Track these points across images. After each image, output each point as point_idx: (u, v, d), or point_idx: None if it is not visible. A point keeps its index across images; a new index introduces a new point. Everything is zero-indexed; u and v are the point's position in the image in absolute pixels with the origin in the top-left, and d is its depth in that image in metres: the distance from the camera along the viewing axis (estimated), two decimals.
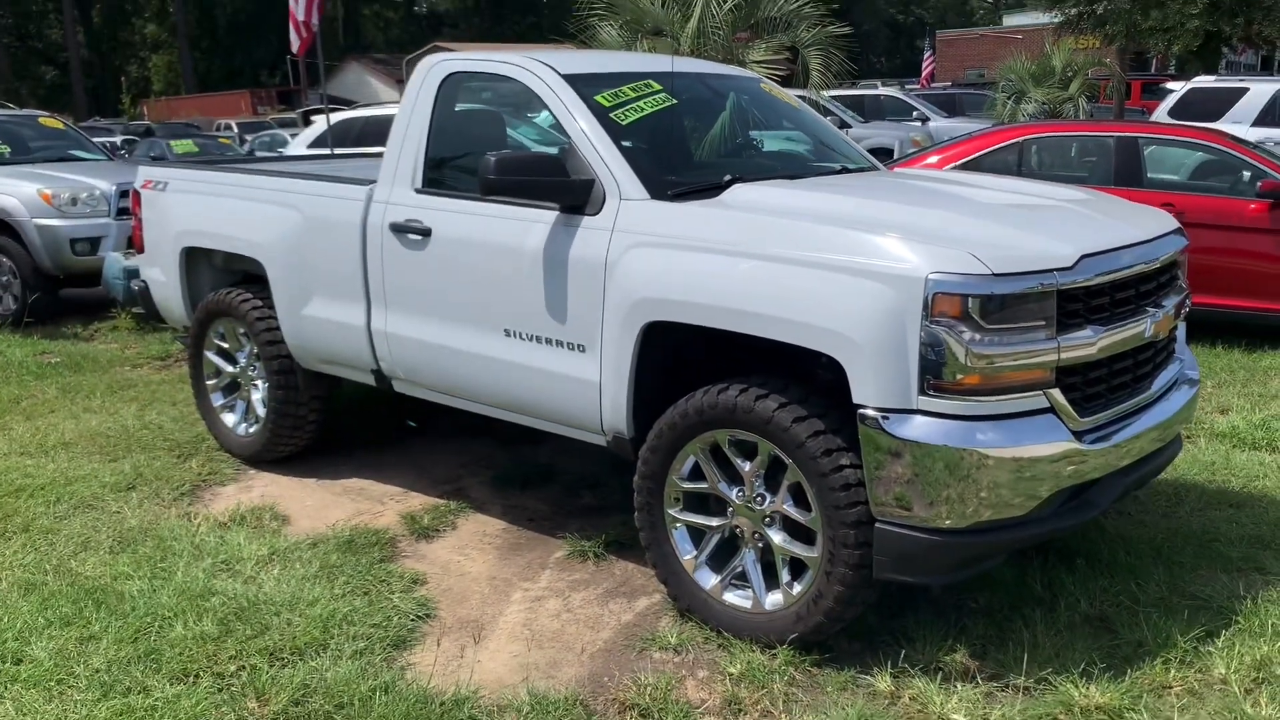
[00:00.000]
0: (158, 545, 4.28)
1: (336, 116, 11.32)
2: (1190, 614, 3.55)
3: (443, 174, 4.36)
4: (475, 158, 4.40)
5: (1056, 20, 22.46)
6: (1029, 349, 3.04)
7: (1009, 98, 18.58)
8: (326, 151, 9.02)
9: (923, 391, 3.02)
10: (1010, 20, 47.55)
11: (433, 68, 4.42)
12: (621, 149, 3.83)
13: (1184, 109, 12.40)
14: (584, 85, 4.07)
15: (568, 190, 3.78)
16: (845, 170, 4.48)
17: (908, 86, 26.33)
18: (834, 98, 16.94)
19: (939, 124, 18.52)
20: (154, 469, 5.18)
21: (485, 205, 4.04)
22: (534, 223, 3.88)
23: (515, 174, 3.74)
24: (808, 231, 3.27)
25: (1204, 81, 13.17)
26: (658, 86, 4.22)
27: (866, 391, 3.06)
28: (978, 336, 2.97)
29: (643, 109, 4.08)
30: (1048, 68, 18.55)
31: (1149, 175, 7.50)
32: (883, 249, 3.09)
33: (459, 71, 4.40)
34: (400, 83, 44.41)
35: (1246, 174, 7.26)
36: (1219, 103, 12.30)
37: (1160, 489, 4.64)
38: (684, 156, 4.41)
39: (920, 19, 68.02)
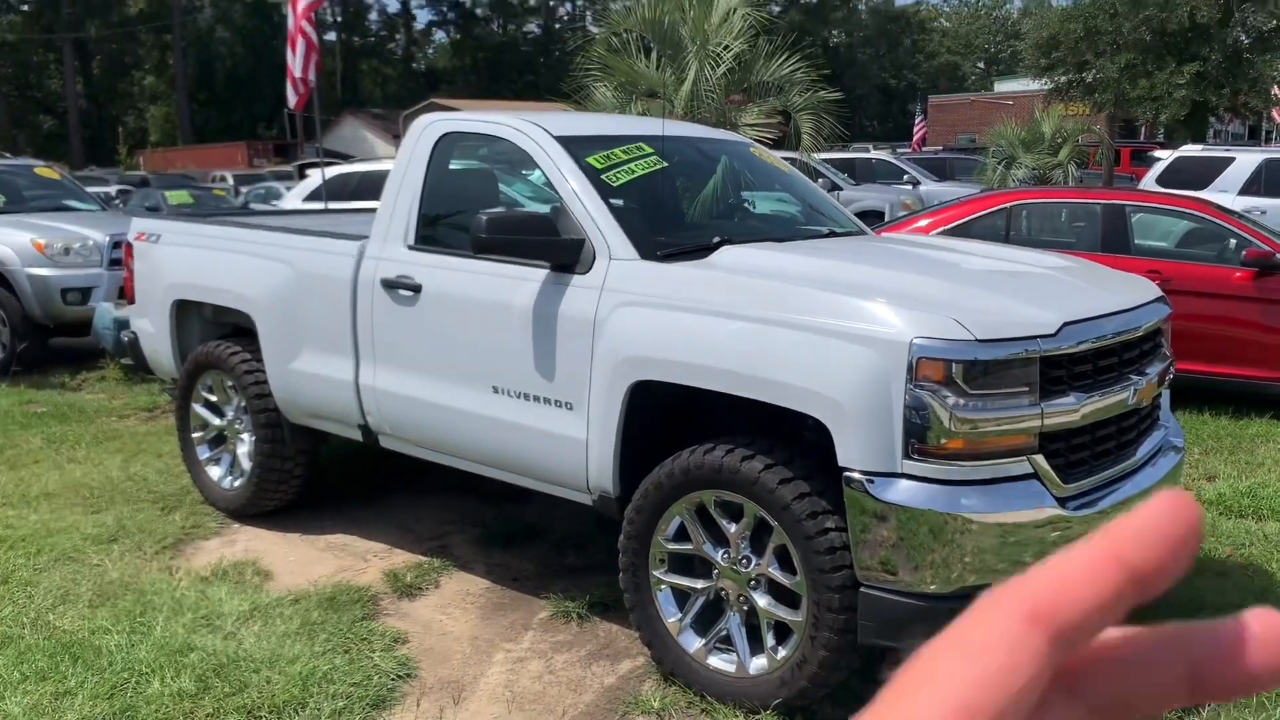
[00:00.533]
0: (138, 599, 4.24)
1: (332, 171, 11.42)
2: None
3: (435, 231, 4.40)
4: (467, 216, 4.44)
5: (1046, 88, 22.91)
6: (1012, 414, 3.06)
7: (999, 163, 18.83)
8: (321, 206, 9.10)
9: (907, 455, 3.03)
10: (1001, 86, 48.35)
11: (428, 127, 4.48)
12: (612, 209, 3.87)
13: (1171, 177, 12.56)
14: (576, 147, 4.12)
15: (558, 249, 3.81)
16: (833, 234, 4.53)
17: (899, 150, 26.68)
18: (825, 160, 17.15)
19: (930, 188, 18.72)
20: (137, 521, 5.14)
21: (476, 262, 4.06)
22: (524, 280, 3.91)
23: (506, 232, 3.78)
24: (793, 294, 3.30)
25: (1191, 150, 13.37)
26: (649, 149, 4.27)
27: (851, 454, 3.07)
28: (961, 401, 2.99)
29: (634, 171, 4.13)
30: (1038, 134, 18.84)
31: (1135, 242, 7.59)
32: (868, 313, 3.12)
33: (454, 131, 4.45)
34: (396, 138, 44.87)
35: (1232, 242, 7.35)
36: (1206, 171, 12.47)
37: None
38: (674, 218, 4.46)
39: (912, 84, 69.14)
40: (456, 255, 4.21)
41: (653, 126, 4.52)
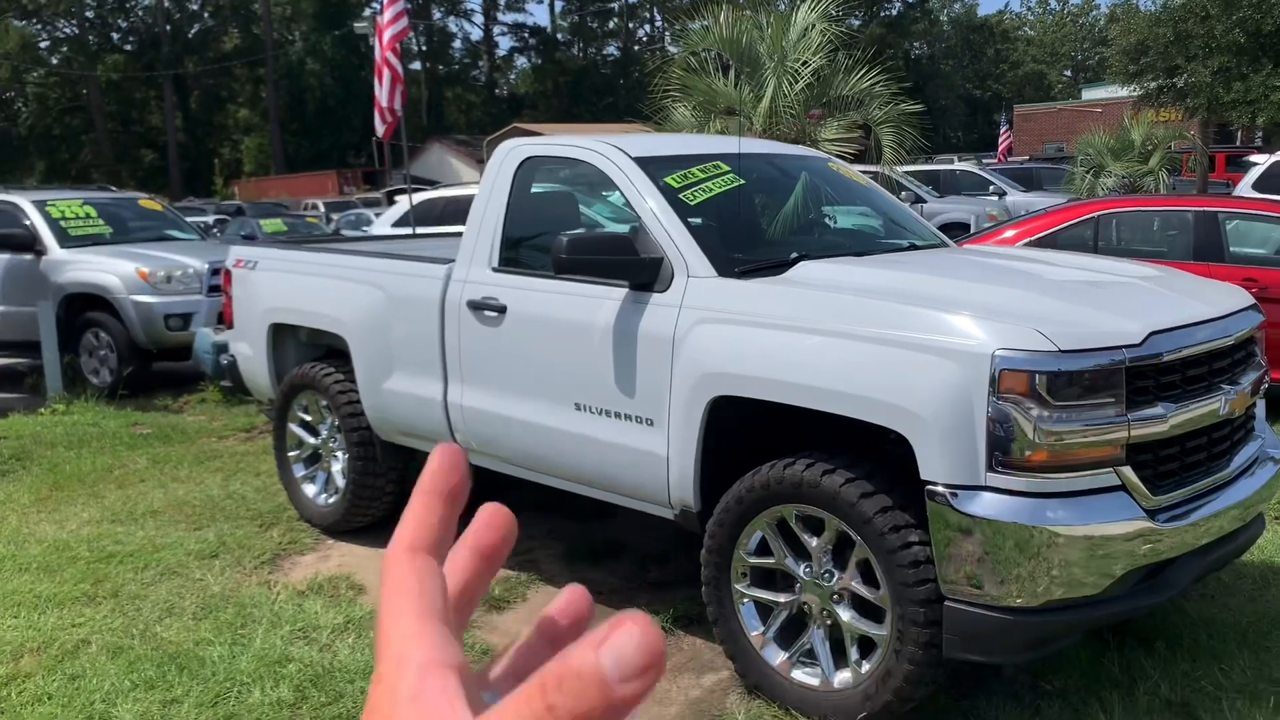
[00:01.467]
0: (238, 612, 4.40)
1: (419, 196, 11.69)
2: (1277, 701, 3.43)
3: (518, 253, 4.50)
4: (549, 237, 4.53)
5: (1136, 94, 22.35)
6: (1098, 426, 3.02)
7: (1087, 172, 18.45)
8: (409, 231, 9.34)
9: (991, 468, 3.01)
10: (1089, 94, 47.32)
11: (510, 152, 4.60)
12: (690, 228, 3.92)
13: (1268, 182, 12.16)
14: (654, 167, 4.19)
15: (637, 268, 3.87)
16: (914, 247, 4.52)
17: (984, 161, 26.27)
18: (908, 173, 16.98)
19: (1016, 198, 18.39)
20: (237, 537, 5.33)
21: (558, 283, 4.15)
22: (604, 299, 3.98)
23: (586, 253, 3.86)
24: (873, 308, 3.31)
25: None
26: (726, 167, 4.33)
27: (934, 468, 3.07)
28: (1046, 413, 2.97)
29: (711, 189, 4.19)
30: (1126, 141, 18.42)
31: (1230, 249, 7.39)
32: (949, 325, 3.11)
33: (535, 156, 4.56)
34: (481, 163, 45.59)
35: None
36: None
37: (1245, 571, 4.50)
38: (752, 235, 4.50)
39: (997, 94, 68.05)
40: (539, 276, 4.30)
41: (729, 145, 4.57)
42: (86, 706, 3.62)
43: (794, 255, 3.86)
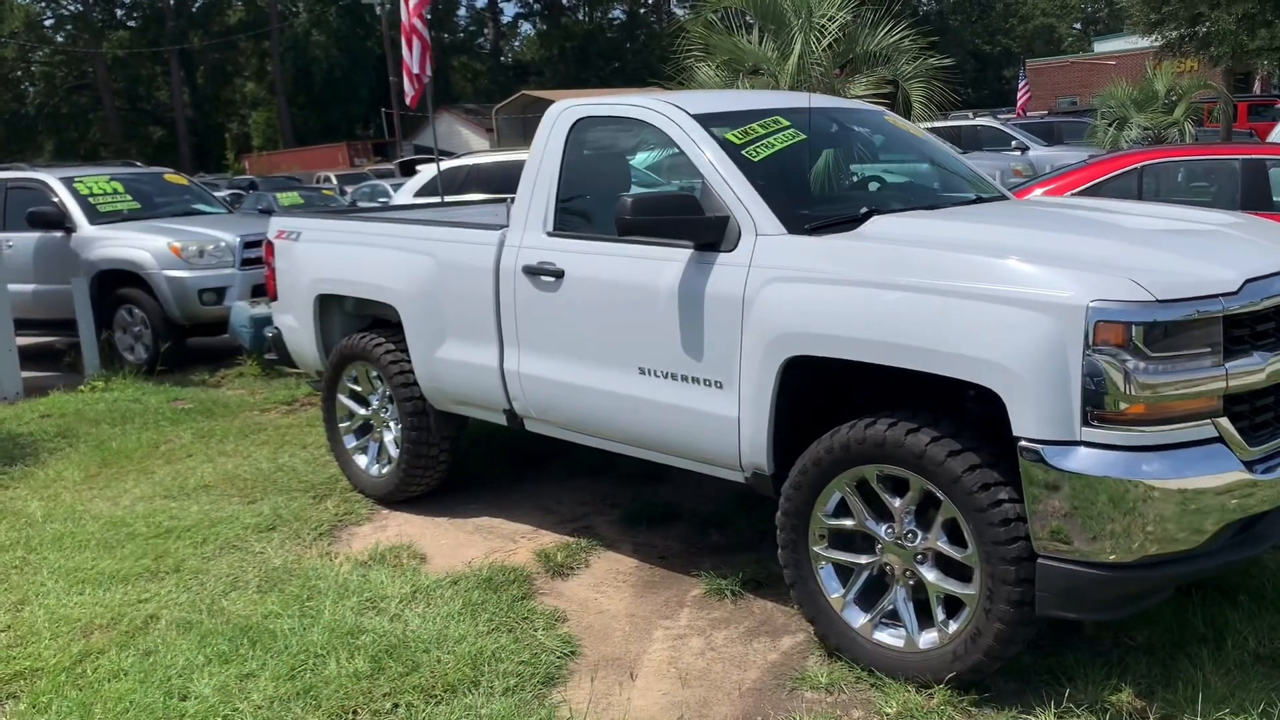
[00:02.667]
0: (303, 584, 4.38)
1: (443, 165, 11.58)
2: None
3: (574, 216, 4.43)
4: (606, 200, 4.47)
5: (1156, 44, 22.04)
6: (1195, 377, 2.95)
7: (1109, 124, 18.21)
8: (437, 200, 9.26)
9: (1085, 422, 2.95)
10: (1101, 46, 46.74)
11: (562, 113, 4.51)
12: (755, 185, 3.84)
13: None
14: (714, 124, 4.10)
15: (703, 228, 3.80)
16: (980, 200, 4.43)
17: (1000, 116, 25.97)
18: (929, 129, 16.79)
19: (1039, 153, 18.20)
20: (292, 510, 5.31)
21: (618, 245, 4.08)
22: (668, 261, 3.91)
23: (652, 214, 3.78)
24: (958, 261, 3.23)
25: None
26: (786, 122, 4.24)
27: (1027, 423, 3.00)
28: (1142, 365, 2.90)
29: (773, 145, 4.10)
30: (1150, 92, 18.15)
31: (1276, 199, 7.26)
32: (1039, 277, 3.04)
33: (588, 116, 4.47)
34: (489, 131, 45.35)
35: None
36: None
37: None
38: (816, 191, 4.41)
39: (1007, 49, 67.24)
40: (597, 239, 4.24)
41: (788, 99, 4.49)
42: (164, 682, 3.61)
43: (864, 210, 3.78)
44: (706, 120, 4.11)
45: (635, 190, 4.73)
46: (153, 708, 3.45)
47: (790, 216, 3.76)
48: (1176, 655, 3.47)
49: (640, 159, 5.08)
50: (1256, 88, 29.47)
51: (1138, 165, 7.68)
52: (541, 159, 4.52)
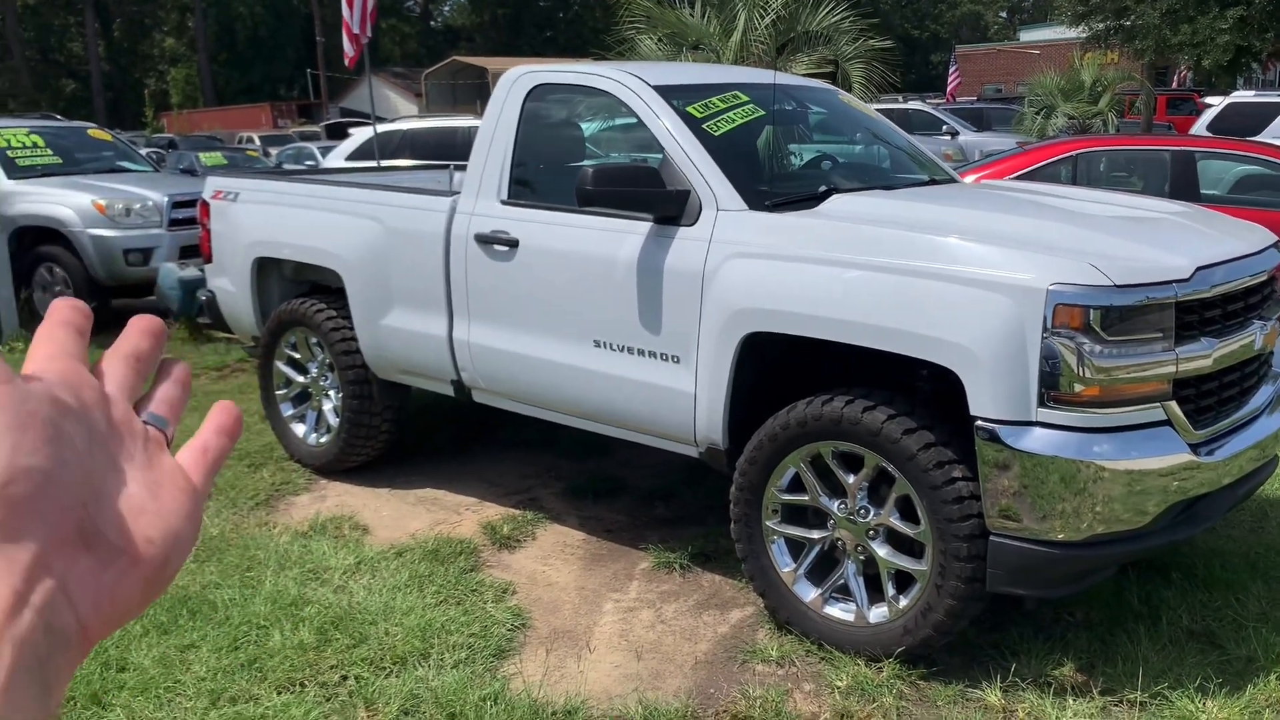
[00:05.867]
0: (242, 554, 4.29)
1: (380, 129, 11.37)
2: None
3: (529, 185, 4.37)
4: (561, 169, 4.42)
5: (1082, 35, 22.51)
6: (1148, 360, 3.03)
7: (1037, 112, 18.58)
8: (372, 164, 9.07)
9: (1042, 403, 3.01)
10: (1027, 35, 47.65)
11: (518, 79, 4.44)
12: (717, 160, 3.83)
13: (1222, 123, 12.37)
14: (675, 96, 4.07)
15: (664, 201, 3.78)
16: (934, 182, 4.47)
17: (930, 101, 26.34)
18: None
19: (969, 138, 18.51)
20: (226, 478, 5.18)
21: (576, 216, 4.04)
22: (627, 234, 3.88)
23: (612, 185, 3.75)
24: (918, 242, 3.26)
25: (1243, 96, 13.14)
26: (745, 97, 4.23)
27: (984, 403, 3.05)
28: (1098, 348, 2.96)
29: (733, 120, 4.08)
30: (1077, 82, 18.56)
31: (1203, 190, 7.47)
32: (1000, 259, 3.08)
33: (546, 83, 4.41)
34: (418, 96, 44.56)
35: None
36: (1257, 118, 12.25)
37: (1243, 505, 4.60)
38: (774, 167, 4.41)
39: (935, 34, 68.13)
40: (553, 209, 4.18)
41: (745, 74, 4.48)
42: (99, 653, 3.50)
43: (823, 188, 3.79)
44: (667, 92, 4.08)
45: (591, 161, 4.68)
46: (89, 679, 3.35)
47: (751, 192, 3.75)
48: (1114, 631, 3.57)
49: (584, 130, 5.03)
50: (1174, 82, 30.31)
51: (1073, 154, 7.83)
52: (496, 125, 4.44)
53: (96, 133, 10.21)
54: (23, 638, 0.42)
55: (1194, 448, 3.15)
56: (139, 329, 0.59)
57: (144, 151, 24.63)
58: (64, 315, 0.55)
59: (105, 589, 0.47)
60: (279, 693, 3.28)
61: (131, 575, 0.49)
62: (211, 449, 0.57)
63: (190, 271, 7.70)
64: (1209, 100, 15.11)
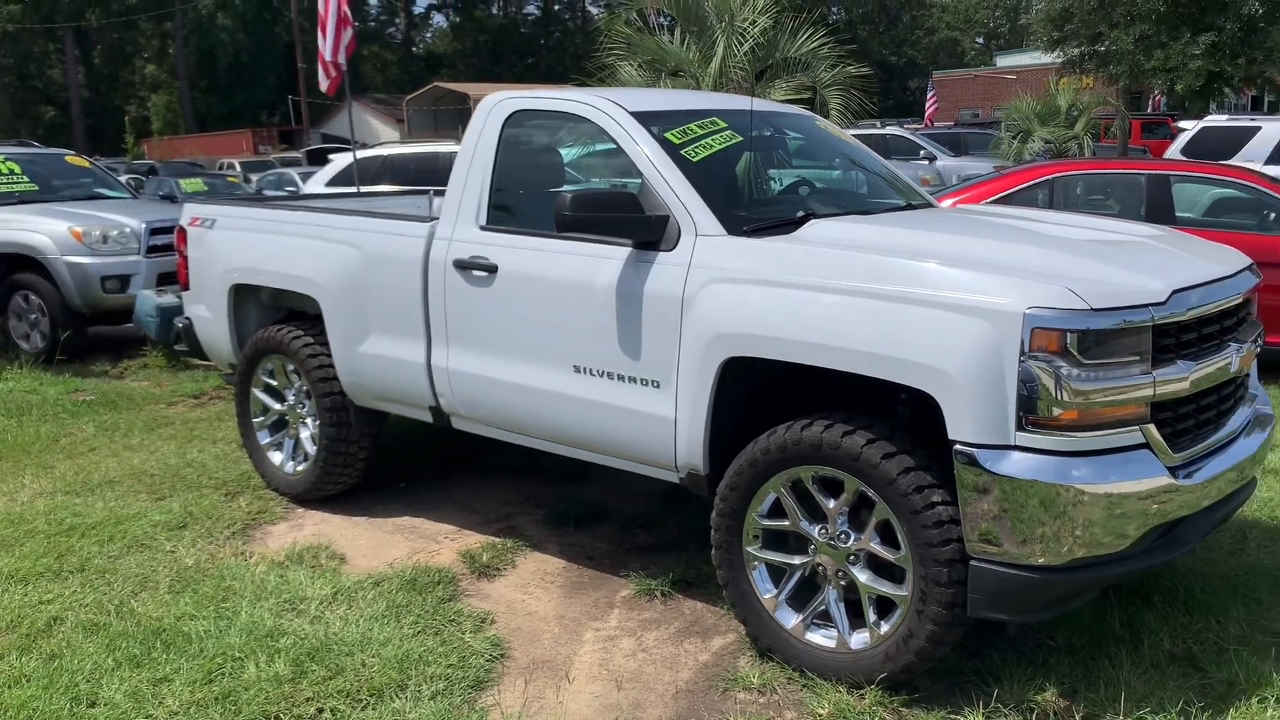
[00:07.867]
0: (218, 585, 4.23)
1: (360, 154, 11.36)
2: (1278, 651, 3.52)
3: (508, 211, 4.36)
4: (540, 194, 4.41)
5: (1058, 61, 22.76)
6: (1126, 384, 3.03)
7: (1013, 137, 18.77)
8: (352, 190, 9.05)
9: (1020, 427, 3.00)
10: (1004, 61, 48.13)
11: (497, 104, 4.44)
12: (695, 185, 3.83)
13: (1196, 147, 12.50)
14: (653, 123, 4.08)
15: (644, 226, 3.77)
16: (911, 206, 4.49)
17: (908, 126, 26.54)
18: None
19: (946, 163, 18.65)
20: (203, 507, 5.12)
21: (554, 241, 4.03)
22: (605, 259, 3.88)
23: (591, 210, 3.74)
24: (896, 267, 3.26)
25: (1216, 120, 13.30)
26: (723, 124, 4.23)
27: (963, 428, 3.04)
28: (1076, 372, 2.96)
29: (711, 146, 4.09)
30: (1053, 107, 18.77)
31: (1178, 213, 7.54)
32: (977, 284, 3.08)
33: (524, 109, 4.41)
34: (400, 122, 44.63)
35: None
36: (1230, 142, 12.40)
37: (1223, 527, 4.60)
38: (752, 193, 4.42)
39: (912, 60, 68.80)
40: (533, 234, 4.17)
41: (722, 100, 4.49)
42: (70, 687, 3.44)
43: (800, 214, 3.80)
44: (645, 118, 4.08)
45: (570, 186, 4.68)
46: (59, 715, 3.29)
47: (729, 217, 3.75)
48: (1096, 655, 3.56)
49: (564, 155, 5.04)
50: (1149, 106, 30.67)
51: (1049, 178, 7.90)
52: (475, 151, 4.43)
53: (74, 159, 10.16)
54: None
55: (1173, 470, 3.14)
56: None
57: (124, 178, 24.57)
58: None
59: None
60: None
61: None
62: None
63: (168, 298, 7.65)
64: (1183, 125, 15.29)
